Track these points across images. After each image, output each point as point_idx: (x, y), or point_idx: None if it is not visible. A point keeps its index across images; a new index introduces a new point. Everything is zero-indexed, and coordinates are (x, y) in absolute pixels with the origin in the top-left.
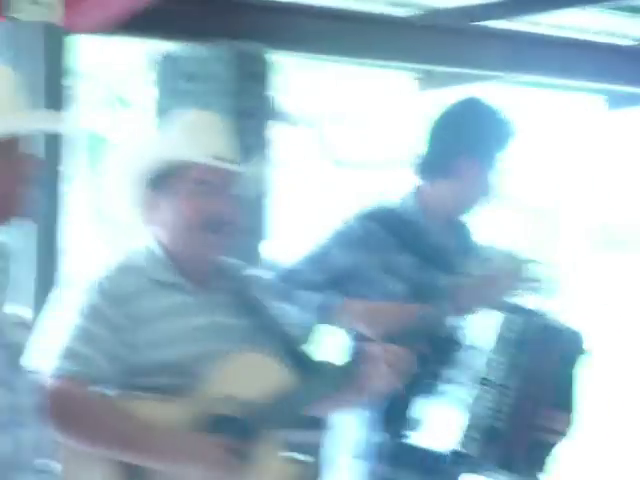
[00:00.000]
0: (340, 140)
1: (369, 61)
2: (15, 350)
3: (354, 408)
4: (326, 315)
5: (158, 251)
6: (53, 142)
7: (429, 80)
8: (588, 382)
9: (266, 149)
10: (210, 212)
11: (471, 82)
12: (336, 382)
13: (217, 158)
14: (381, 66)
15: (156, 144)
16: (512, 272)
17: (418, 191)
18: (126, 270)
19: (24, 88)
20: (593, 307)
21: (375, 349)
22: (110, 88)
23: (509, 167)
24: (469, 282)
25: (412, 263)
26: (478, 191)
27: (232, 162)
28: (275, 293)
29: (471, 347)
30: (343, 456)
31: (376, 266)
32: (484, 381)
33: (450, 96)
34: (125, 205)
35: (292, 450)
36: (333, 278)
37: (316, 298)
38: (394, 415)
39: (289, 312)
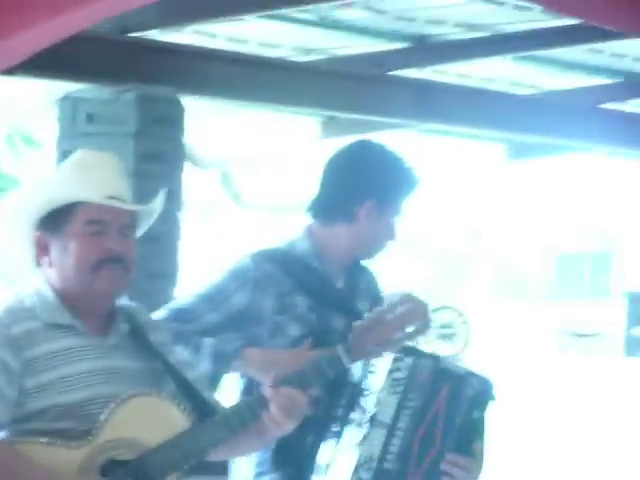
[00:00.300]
0: (246, 183)
1: (276, 106)
2: None
3: (252, 451)
4: (220, 361)
5: (49, 293)
6: None
7: (332, 126)
8: (494, 428)
9: (176, 192)
10: (104, 251)
11: (375, 129)
12: (233, 425)
13: (107, 197)
14: (288, 111)
15: (45, 184)
16: (407, 314)
17: (311, 233)
18: (17, 314)
19: None
20: (496, 351)
21: (269, 392)
22: (13, 126)
23: (413, 212)
24: (362, 323)
25: (307, 305)
26: (377, 235)
27: (123, 201)
28: (170, 334)
29: (365, 388)
30: None
31: (271, 306)
32: (373, 420)
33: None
34: (18, 247)
35: None
36: (228, 318)
37: (209, 342)
38: (292, 459)
39: (183, 354)
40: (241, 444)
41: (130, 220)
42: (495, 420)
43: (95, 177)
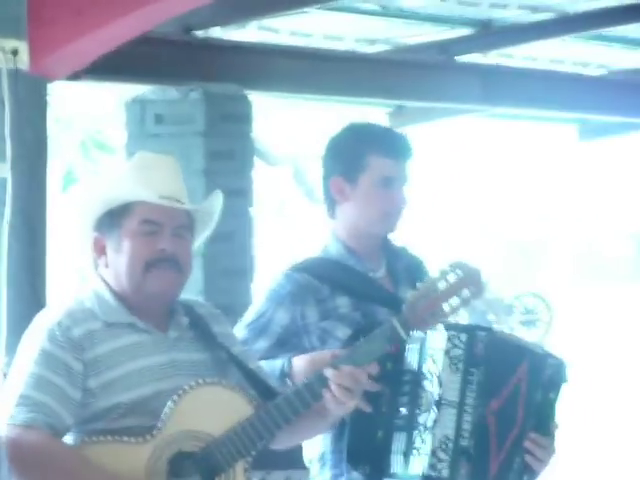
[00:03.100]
0: (317, 177)
1: (343, 98)
2: None
3: (315, 434)
4: (278, 381)
5: (107, 294)
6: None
7: (400, 115)
8: (570, 409)
9: (246, 189)
10: (157, 252)
11: (443, 117)
12: (295, 407)
13: (162, 197)
14: (355, 103)
15: (102, 185)
16: (459, 280)
17: (334, 231)
18: (77, 315)
19: None
20: (580, 336)
21: (329, 372)
22: (87, 133)
23: (485, 200)
24: (415, 293)
25: (350, 304)
26: (368, 209)
27: (179, 201)
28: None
29: (424, 373)
30: None
31: (314, 315)
32: (440, 402)
33: (421, 132)
34: (78, 248)
35: None
36: (276, 340)
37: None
38: (366, 457)
39: None
40: (304, 427)
41: (186, 220)
42: (573, 402)
43: (151, 177)
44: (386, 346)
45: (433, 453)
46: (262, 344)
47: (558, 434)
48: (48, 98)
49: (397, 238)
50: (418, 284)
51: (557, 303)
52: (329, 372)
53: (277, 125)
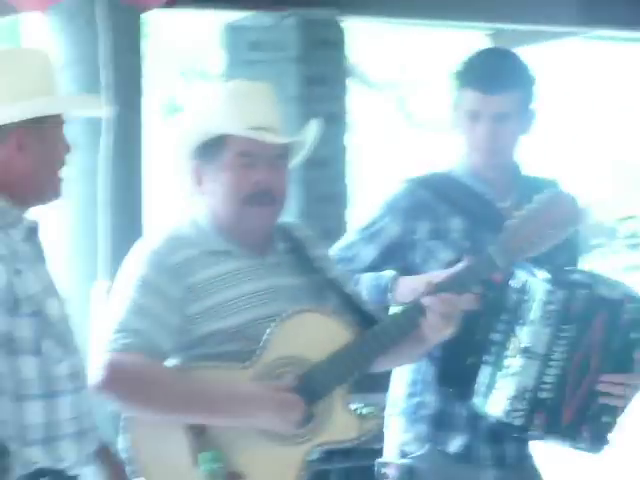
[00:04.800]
0: (417, 102)
1: (441, 21)
2: (49, 319)
3: (411, 360)
4: (376, 294)
5: (204, 221)
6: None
7: (500, 38)
8: None
9: (341, 115)
10: (252, 184)
11: (543, 40)
12: (393, 334)
13: (259, 128)
14: (453, 26)
15: (200, 115)
16: (558, 208)
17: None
18: (175, 242)
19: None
20: None
21: (427, 299)
22: (186, 60)
23: (589, 125)
24: (513, 222)
25: (463, 228)
26: (465, 140)
27: (276, 132)
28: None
29: (518, 316)
30: (396, 417)
31: (424, 232)
32: (529, 352)
33: (521, 55)
34: (178, 176)
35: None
36: (384, 249)
37: (367, 277)
38: (451, 380)
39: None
40: (400, 353)
41: (282, 150)
42: None
43: (245, 108)
44: (484, 274)
45: (511, 401)
46: (369, 252)
47: None
48: (147, 27)
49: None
50: (516, 213)
51: None
52: (427, 299)
53: (379, 50)
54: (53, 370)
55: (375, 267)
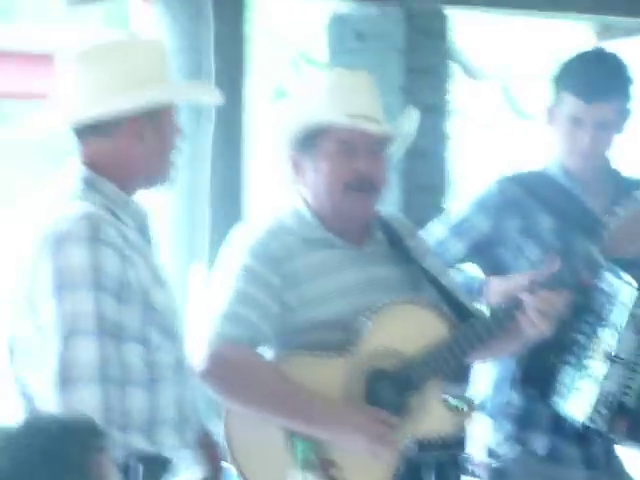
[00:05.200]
0: (524, 92)
1: (547, 12)
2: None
3: (506, 354)
4: (472, 297)
5: (305, 210)
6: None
7: (608, 32)
8: None
9: (444, 105)
10: (352, 172)
11: None
12: (490, 329)
13: (359, 117)
14: (560, 17)
15: (300, 104)
16: None
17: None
18: (276, 231)
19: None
20: None
21: (526, 295)
22: (298, 48)
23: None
24: (616, 221)
25: (552, 227)
26: (562, 144)
27: (376, 121)
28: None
29: (604, 320)
30: (482, 414)
31: (515, 230)
32: (615, 358)
33: (629, 47)
34: (279, 164)
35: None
36: (474, 246)
37: (460, 279)
38: (534, 378)
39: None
40: (495, 348)
41: (381, 140)
42: None
43: (346, 97)
44: (585, 273)
45: (595, 405)
46: (460, 248)
47: None
48: (255, 14)
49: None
50: (617, 209)
51: None
52: (526, 296)
53: (486, 40)
54: (157, 358)
55: (466, 261)
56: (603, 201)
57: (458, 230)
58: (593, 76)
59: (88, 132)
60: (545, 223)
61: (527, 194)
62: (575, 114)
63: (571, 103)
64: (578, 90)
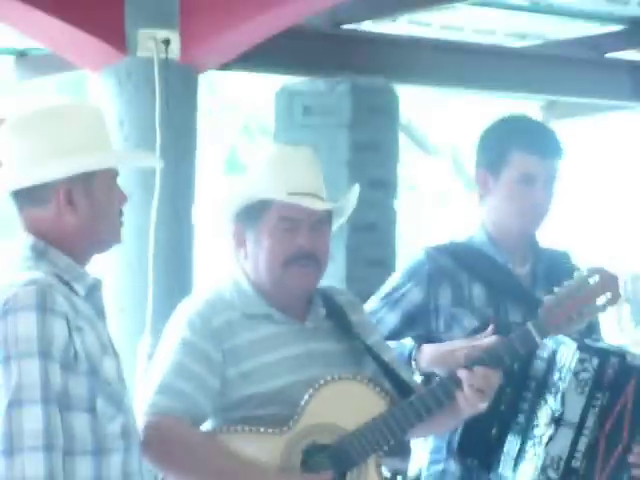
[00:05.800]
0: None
1: (490, 92)
2: (104, 377)
3: (444, 430)
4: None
5: (246, 284)
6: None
7: (553, 109)
8: None
9: (390, 180)
10: (294, 247)
11: (597, 112)
12: (429, 406)
13: (301, 194)
14: (509, 96)
15: (243, 179)
16: (597, 286)
17: (483, 222)
18: (217, 305)
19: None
20: None
21: (463, 372)
22: (250, 116)
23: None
24: (552, 298)
25: (484, 296)
26: (512, 205)
27: (317, 197)
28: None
29: (549, 385)
30: None
31: (447, 299)
32: (560, 420)
33: (574, 126)
34: (219, 237)
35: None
36: (406, 316)
37: (392, 346)
38: (475, 450)
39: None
40: (434, 424)
41: (324, 214)
42: None
43: (288, 174)
44: (520, 350)
45: (543, 470)
46: (392, 319)
47: None
48: (207, 85)
49: (545, 238)
50: (556, 289)
51: None
52: (463, 373)
53: (437, 115)
54: (105, 428)
55: (399, 333)
56: (527, 268)
57: (391, 300)
58: (543, 134)
59: (24, 201)
60: (476, 292)
61: (455, 263)
62: (529, 171)
63: (523, 161)
64: (532, 147)
